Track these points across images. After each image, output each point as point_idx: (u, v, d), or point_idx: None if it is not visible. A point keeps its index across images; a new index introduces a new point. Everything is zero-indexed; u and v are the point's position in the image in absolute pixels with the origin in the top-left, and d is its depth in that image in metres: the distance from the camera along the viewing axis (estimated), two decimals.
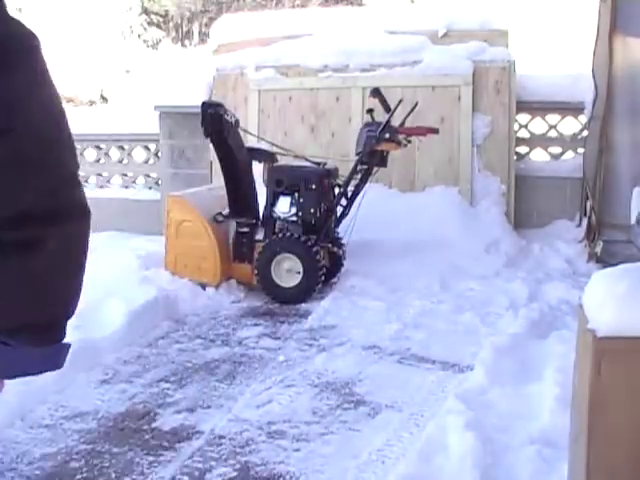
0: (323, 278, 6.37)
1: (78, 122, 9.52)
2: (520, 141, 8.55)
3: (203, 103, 6.40)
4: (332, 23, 8.82)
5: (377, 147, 6.43)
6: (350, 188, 6.56)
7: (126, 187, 9.49)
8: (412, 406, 4.16)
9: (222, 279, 6.51)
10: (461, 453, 3.35)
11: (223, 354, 5.11)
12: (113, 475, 3.51)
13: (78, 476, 3.52)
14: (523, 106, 8.33)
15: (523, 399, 4.06)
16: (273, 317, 5.97)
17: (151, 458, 3.67)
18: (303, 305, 6.19)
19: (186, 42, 42.76)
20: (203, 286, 6.39)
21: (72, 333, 4.30)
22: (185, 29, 44.47)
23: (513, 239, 7.72)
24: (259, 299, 6.40)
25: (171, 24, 44.58)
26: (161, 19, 45.30)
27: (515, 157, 8.34)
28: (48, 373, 4.02)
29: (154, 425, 4.04)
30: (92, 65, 31.14)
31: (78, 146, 9.46)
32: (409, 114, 6.66)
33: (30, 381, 4.24)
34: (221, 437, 3.86)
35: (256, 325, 5.75)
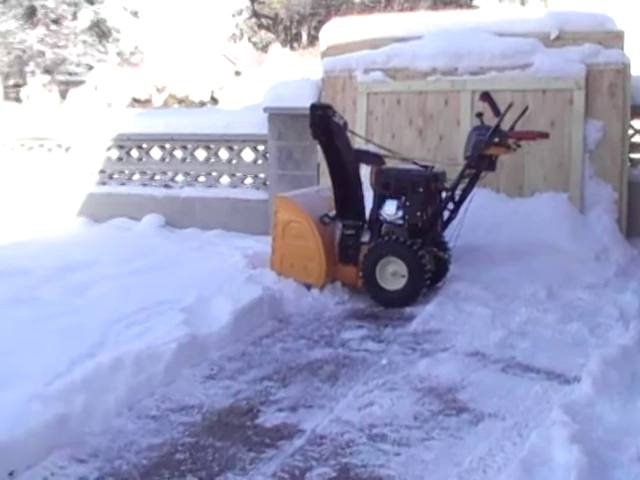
0: (428, 282, 6.33)
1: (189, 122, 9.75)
2: (635, 147, 8.30)
3: (312, 105, 6.45)
4: (441, 26, 8.76)
5: (486, 151, 6.35)
6: (457, 192, 6.49)
7: (234, 187, 9.62)
8: (516, 415, 4.09)
9: (327, 280, 6.54)
10: (566, 466, 3.28)
11: (326, 355, 5.14)
12: (216, 469, 3.59)
13: (182, 467, 3.61)
14: (639, 110, 8.08)
15: (632, 414, 3.95)
16: (377, 320, 5.97)
17: (253, 454, 3.73)
18: (407, 309, 6.15)
19: (295, 45, 43.14)
20: (308, 287, 6.43)
21: (180, 328, 4.47)
22: (294, 32, 44.88)
23: (625, 248, 7.51)
24: (363, 301, 6.40)
25: (280, 27, 45.07)
26: (271, 22, 45.86)
27: (629, 163, 8.11)
28: (156, 366, 4.15)
29: (257, 422, 4.10)
30: (203, 67, 31.77)
31: (189, 146, 9.67)
32: (519, 118, 6.56)
33: (139, 373, 4.39)
34: (322, 437, 3.89)
35: (360, 327, 5.76)
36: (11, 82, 45.44)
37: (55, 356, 4.56)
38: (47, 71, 44.17)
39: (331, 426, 4.01)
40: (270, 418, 4.14)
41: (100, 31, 46.64)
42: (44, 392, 4.04)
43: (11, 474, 3.52)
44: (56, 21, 44.50)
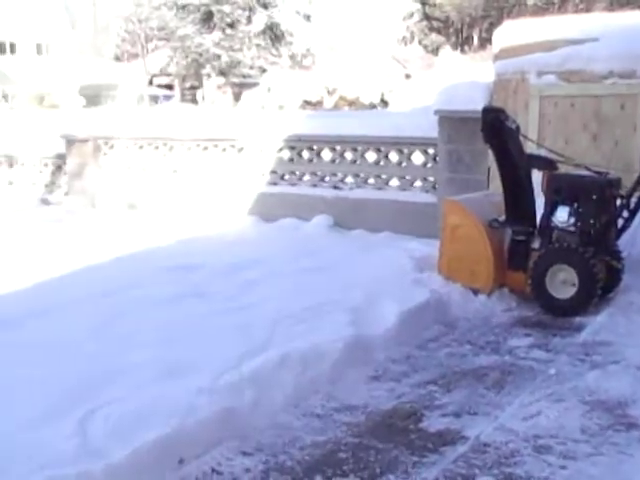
0: (600, 292, 6.14)
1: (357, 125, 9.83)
2: None
3: (484, 108, 6.40)
4: (618, 27, 8.47)
5: None
6: (633, 200, 6.27)
7: (403, 190, 9.62)
8: None
9: (495, 286, 6.46)
10: None
11: (492, 362, 5.09)
12: (377, 470, 3.64)
13: (344, 467, 3.68)
14: None
15: None
16: (545, 328, 5.85)
17: (415, 458, 3.75)
18: (577, 319, 5.99)
19: (465, 47, 42.81)
20: (475, 291, 6.38)
21: (346, 328, 4.55)
22: (465, 35, 44.51)
23: None
24: (531, 309, 6.28)
25: (451, 30, 44.84)
26: (441, 25, 45.69)
27: None
28: (322, 365, 4.24)
29: (420, 426, 4.12)
30: (373, 69, 32.05)
31: (359, 148, 9.75)
32: None
33: (305, 370, 4.49)
34: (486, 445, 3.86)
35: (527, 335, 5.67)
36: (188, 84, 47.45)
37: (224, 350, 4.74)
38: (222, 73, 45.86)
39: (495, 434, 3.98)
40: (433, 423, 4.15)
41: (273, 34, 47.96)
42: (214, 385, 4.21)
43: (181, 462, 3.69)
44: (231, 25, 46.10)
